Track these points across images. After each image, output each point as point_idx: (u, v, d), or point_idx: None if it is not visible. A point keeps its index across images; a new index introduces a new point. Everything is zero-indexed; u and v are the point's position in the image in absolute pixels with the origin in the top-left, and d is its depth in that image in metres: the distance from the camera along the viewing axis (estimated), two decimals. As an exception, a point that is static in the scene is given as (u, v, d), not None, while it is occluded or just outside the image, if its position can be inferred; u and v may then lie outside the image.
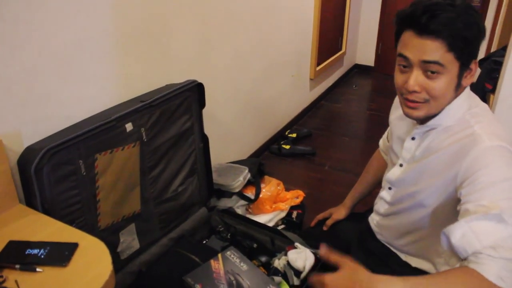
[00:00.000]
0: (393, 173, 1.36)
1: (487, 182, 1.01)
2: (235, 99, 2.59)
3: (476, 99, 1.23)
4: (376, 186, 1.70)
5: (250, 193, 2.20)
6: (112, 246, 1.62)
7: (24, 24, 1.29)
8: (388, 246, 1.49)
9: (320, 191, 2.70)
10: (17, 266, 1.06)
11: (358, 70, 4.87)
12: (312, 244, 1.82)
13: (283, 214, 2.25)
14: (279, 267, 1.76)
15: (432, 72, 1.08)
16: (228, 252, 1.71)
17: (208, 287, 1.56)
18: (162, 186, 1.79)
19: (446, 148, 1.16)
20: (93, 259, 1.12)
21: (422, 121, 1.22)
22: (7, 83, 1.28)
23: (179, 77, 1.90)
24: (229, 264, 1.66)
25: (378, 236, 1.53)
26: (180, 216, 1.93)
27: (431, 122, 1.19)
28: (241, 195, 2.18)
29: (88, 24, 1.50)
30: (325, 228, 1.74)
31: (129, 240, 1.69)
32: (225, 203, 2.16)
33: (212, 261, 1.66)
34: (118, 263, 1.65)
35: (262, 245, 1.98)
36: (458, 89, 1.14)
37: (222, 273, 1.63)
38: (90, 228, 1.49)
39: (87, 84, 1.54)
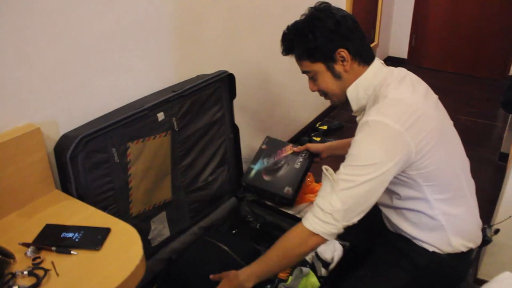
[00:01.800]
0: None
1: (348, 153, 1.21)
2: (266, 90, 2.59)
3: (386, 72, 1.33)
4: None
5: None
6: (144, 233, 1.65)
7: (60, 16, 1.33)
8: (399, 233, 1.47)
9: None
10: (54, 248, 1.10)
11: (391, 62, 4.77)
12: (340, 236, 1.81)
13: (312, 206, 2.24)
14: (307, 258, 1.76)
15: (310, 77, 1.35)
16: None
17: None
18: (192, 175, 1.81)
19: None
20: (125, 244, 1.15)
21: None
22: (45, 73, 1.33)
23: (210, 68, 1.91)
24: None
25: (389, 228, 1.52)
26: (210, 205, 1.95)
27: (353, 108, 1.37)
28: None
29: (120, 17, 1.52)
30: None
31: (160, 228, 1.72)
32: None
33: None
34: (149, 249, 1.69)
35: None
36: (341, 76, 1.31)
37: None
38: (122, 214, 1.53)
39: (120, 74, 1.57)
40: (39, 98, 1.33)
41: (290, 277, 1.66)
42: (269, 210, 2.05)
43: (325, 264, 1.74)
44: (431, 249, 1.36)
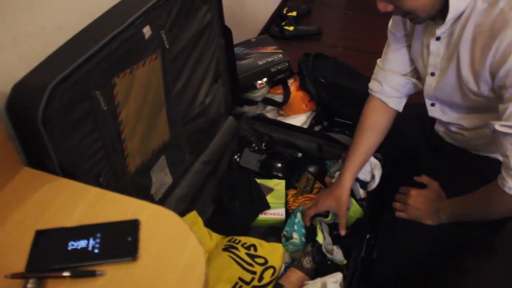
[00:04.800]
0: (429, 86, 1.15)
1: None
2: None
3: None
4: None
5: (278, 93, 1.83)
6: (145, 189, 1.28)
7: None
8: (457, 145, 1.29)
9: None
10: (67, 273, 0.71)
11: None
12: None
13: (315, 112, 1.91)
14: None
15: None
16: None
17: None
18: (188, 101, 1.39)
19: (476, 35, 0.95)
20: (170, 240, 0.78)
21: (435, 17, 1.00)
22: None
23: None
24: None
25: (448, 140, 1.31)
26: (209, 133, 1.56)
27: (449, 16, 0.95)
28: (267, 100, 1.81)
29: None
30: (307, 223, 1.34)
31: (162, 177, 1.34)
32: (251, 110, 1.80)
33: None
34: (154, 206, 1.32)
35: (307, 154, 1.68)
36: None
37: None
38: (120, 176, 1.12)
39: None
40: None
41: (331, 212, 1.38)
42: (274, 125, 1.71)
43: (363, 184, 1.48)
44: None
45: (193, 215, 1.46)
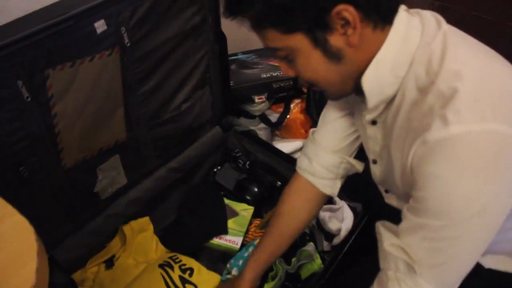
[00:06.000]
0: (374, 174, 0.94)
1: (426, 210, 0.68)
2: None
3: (421, 27, 0.71)
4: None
5: (279, 111, 1.70)
6: (87, 186, 1.22)
7: None
8: None
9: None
10: None
11: None
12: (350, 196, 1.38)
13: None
14: (306, 229, 1.33)
15: (282, 57, 0.76)
16: None
17: None
18: (158, 104, 1.31)
19: (408, 132, 0.71)
20: (12, 257, 0.71)
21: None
22: None
23: None
24: None
25: None
26: (184, 140, 1.48)
27: (370, 103, 0.76)
28: (262, 117, 1.69)
29: None
30: None
31: (113, 176, 1.28)
32: (247, 123, 1.69)
33: None
34: (98, 205, 1.27)
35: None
36: (341, 55, 0.70)
37: None
38: (50, 169, 1.07)
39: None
40: None
41: (293, 260, 1.25)
42: (262, 146, 1.59)
43: (329, 235, 1.34)
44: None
45: (145, 220, 1.39)
